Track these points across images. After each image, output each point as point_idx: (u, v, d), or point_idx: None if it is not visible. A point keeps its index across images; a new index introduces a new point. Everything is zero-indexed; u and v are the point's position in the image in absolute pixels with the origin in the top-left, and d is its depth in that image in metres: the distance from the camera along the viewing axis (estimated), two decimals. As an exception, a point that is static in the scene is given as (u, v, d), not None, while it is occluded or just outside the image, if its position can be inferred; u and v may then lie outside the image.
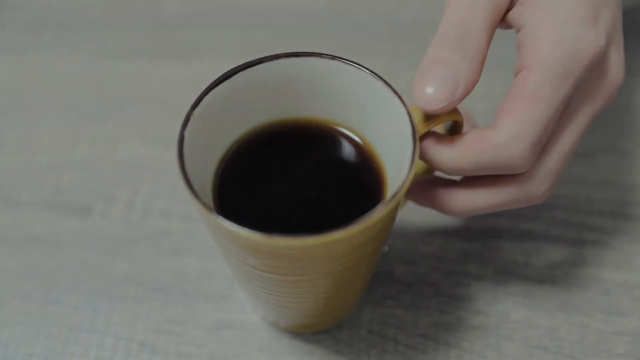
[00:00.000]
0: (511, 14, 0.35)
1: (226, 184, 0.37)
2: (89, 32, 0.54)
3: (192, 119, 0.34)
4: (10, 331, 0.42)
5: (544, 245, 0.44)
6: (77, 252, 0.44)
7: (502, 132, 0.33)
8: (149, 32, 0.54)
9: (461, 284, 0.43)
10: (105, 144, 0.49)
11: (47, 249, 0.45)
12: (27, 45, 0.54)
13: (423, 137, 0.36)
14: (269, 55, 0.36)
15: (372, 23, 0.54)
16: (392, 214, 0.33)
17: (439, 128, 0.39)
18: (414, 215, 0.45)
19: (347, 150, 0.38)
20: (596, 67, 0.35)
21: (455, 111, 0.36)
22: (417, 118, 0.35)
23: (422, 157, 0.36)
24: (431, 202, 0.38)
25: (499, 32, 0.53)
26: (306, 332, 0.41)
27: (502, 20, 0.36)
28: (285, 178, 0.37)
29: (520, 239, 0.44)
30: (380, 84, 0.35)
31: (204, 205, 0.32)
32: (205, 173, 0.36)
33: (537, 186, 0.35)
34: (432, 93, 0.33)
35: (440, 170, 0.35)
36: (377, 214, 0.31)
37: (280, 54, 0.36)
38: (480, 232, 0.45)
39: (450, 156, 0.35)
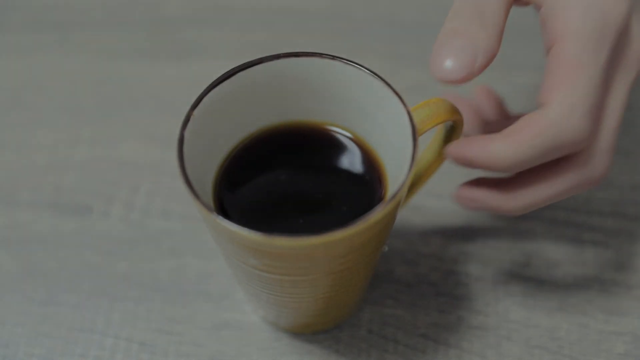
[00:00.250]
0: None
1: (226, 184, 0.37)
2: (89, 32, 0.54)
3: (192, 119, 0.34)
4: (10, 331, 0.42)
5: (544, 245, 0.44)
6: (77, 252, 0.44)
7: (554, 108, 0.32)
8: (149, 32, 0.54)
9: (461, 284, 0.43)
10: (105, 144, 0.49)
11: (47, 249, 0.45)
12: (27, 45, 0.54)
13: (461, 145, 0.34)
14: (269, 55, 0.36)
15: (372, 23, 0.54)
16: (392, 214, 0.33)
17: (439, 128, 0.39)
18: (414, 215, 0.45)
19: (347, 150, 0.38)
20: (622, 36, 0.34)
21: (455, 111, 0.36)
22: (417, 118, 0.35)
23: (473, 163, 0.34)
24: (485, 206, 0.36)
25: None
26: (306, 332, 0.41)
27: None
28: (285, 178, 0.37)
29: (520, 239, 0.44)
30: (380, 84, 0.35)
31: (204, 205, 0.32)
32: (206, 173, 0.36)
33: (597, 166, 0.34)
34: (450, 64, 0.32)
35: (497, 169, 0.34)
36: (377, 214, 0.31)
37: (280, 54, 0.36)
38: (480, 232, 0.45)
39: (507, 151, 0.33)
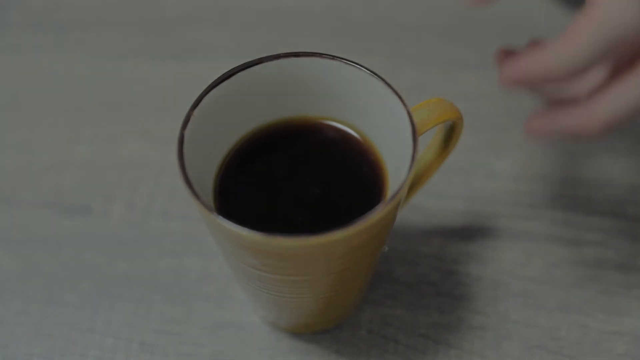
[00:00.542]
0: None
1: (226, 184, 0.37)
2: (89, 32, 0.54)
3: (192, 119, 0.34)
4: (10, 331, 0.42)
5: (544, 245, 0.44)
6: (77, 252, 0.44)
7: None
8: (149, 32, 0.54)
9: (461, 284, 0.43)
10: (105, 144, 0.49)
11: (47, 249, 0.45)
12: (27, 45, 0.54)
13: (515, 61, 0.32)
14: (269, 55, 0.36)
15: (372, 23, 0.54)
16: (392, 214, 0.33)
17: (439, 128, 0.39)
18: (414, 215, 0.45)
19: (347, 151, 0.38)
20: None
21: (455, 111, 0.36)
22: (417, 118, 0.35)
23: (531, 74, 0.31)
24: (562, 128, 0.33)
25: (499, 32, 0.53)
26: (306, 332, 0.41)
27: None
28: (285, 178, 0.37)
29: (520, 239, 0.44)
30: (380, 83, 0.35)
31: (204, 205, 0.32)
32: (206, 173, 0.36)
33: None
34: None
35: (559, 75, 0.31)
36: (377, 214, 0.31)
37: (280, 54, 0.36)
38: (480, 232, 0.45)
39: (566, 51, 0.31)
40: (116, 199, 0.46)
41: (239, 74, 0.36)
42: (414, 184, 0.40)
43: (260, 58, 0.36)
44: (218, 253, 0.43)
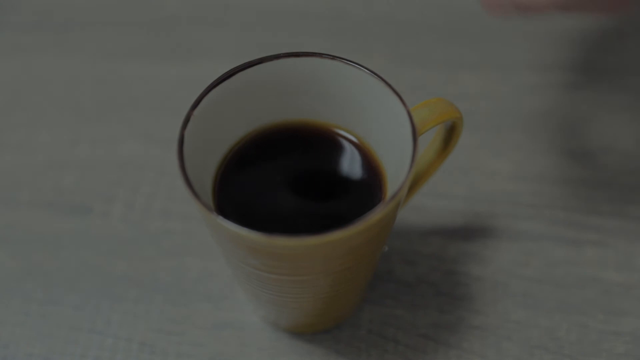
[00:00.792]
0: None
1: (226, 184, 0.37)
2: (89, 32, 0.54)
3: (192, 119, 0.34)
4: (10, 331, 0.42)
5: (544, 245, 0.44)
6: (77, 252, 0.44)
7: None
8: (149, 32, 0.54)
9: (461, 284, 0.43)
10: (105, 144, 0.49)
11: (47, 249, 0.45)
12: (27, 45, 0.54)
13: None
14: (269, 55, 0.36)
15: (372, 23, 0.54)
16: (392, 214, 0.33)
17: (439, 128, 0.39)
18: (414, 215, 0.45)
19: (347, 150, 0.38)
20: None
21: (455, 110, 0.36)
22: (417, 118, 0.35)
23: None
24: (514, 2, 0.34)
25: (499, 31, 0.53)
26: (306, 332, 0.41)
27: None
28: (285, 178, 0.37)
29: (520, 238, 0.44)
30: (380, 84, 0.35)
31: (204, 205, 0.32)
32: (205, 173, 0.36)
33: None
34: None
35: None
36: (377, 214, 0.31)
37: (280, 54, 0.36)
38: (480, 232, 0.45)
39: None
40: (116, 199, 0.46)
41: (239, 74, 0.36)
42: (414, 184, 0.40)
43: (260, 58, 0.36)
44: (218, 253, 0.43)
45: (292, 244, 0.31)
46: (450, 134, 0.38)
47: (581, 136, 0.48)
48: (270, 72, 0.36)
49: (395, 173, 0.35)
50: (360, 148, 0.38)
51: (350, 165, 0.38)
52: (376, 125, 0.37)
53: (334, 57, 0.36)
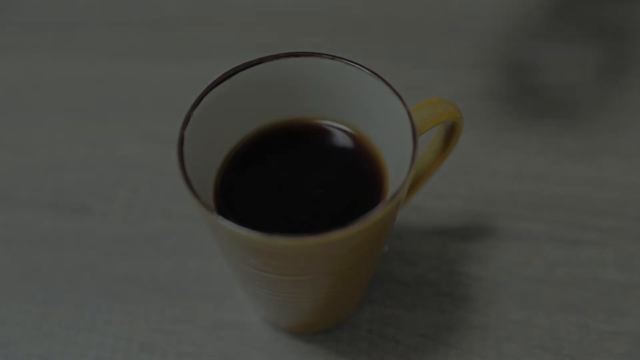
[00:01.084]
0: None
1: (226, 184, 0.37)
2: (89, 32, 0.54)
3: (192, 119, 0.34)
4: (10, 331, 0.42)
5: (544, 245, 0.44)
6: (77, 252, 0.44)
7: None
8: (149, 32, 0.54)
9: (461, 284, 0.43)
10: (105, 144, 0.49)
11: (47, 249, 0.45)
12: (27, 45, 0.54)
13: None
14: (269, 55, 0.36)
15: (372, 23, 0.54)
16: (392, 214, 0.33)
17: (439, 128, 0.39)
18: (414, 215, 0.45)
19: (347, 151, 0.38)
20: None
21: (455, 110, 0.36)
22: (417, 118, 0.35)
23: None
24: None
25: (499, 31, 0.53)
26: (306, 332, 0.41)
27: None
28: (285, 178, 0.37)
29: (520, 239, 0.44)
30: (380, 83, 0.35)
31: (204, 205, 0.32)
32: (206, 173, 0.36)
33: None
34: None
35: None
36: (377, 214, 0.31)
37: (280, 54, 0.36)
38: (480, 232, 0.45)
39: None
40: (116, 199, 0.46)
41: (239, 74, 0.36)
42: (414, 184, 0.40)
43: (260, 58, 0.36)
44: (218, 253, 0.43)
45: (292, 244, 0.31)
46: (450, 134, 0.38)
47: (581, 136, 0.48)
48: (270, 72, 0.36)
49: (395, 173, 0.35)
50: (360, 148, 0.38)
51: (350, 165, 0.38)
52: (376, 125, 0.37)
53: (334, 57, 0.36)
